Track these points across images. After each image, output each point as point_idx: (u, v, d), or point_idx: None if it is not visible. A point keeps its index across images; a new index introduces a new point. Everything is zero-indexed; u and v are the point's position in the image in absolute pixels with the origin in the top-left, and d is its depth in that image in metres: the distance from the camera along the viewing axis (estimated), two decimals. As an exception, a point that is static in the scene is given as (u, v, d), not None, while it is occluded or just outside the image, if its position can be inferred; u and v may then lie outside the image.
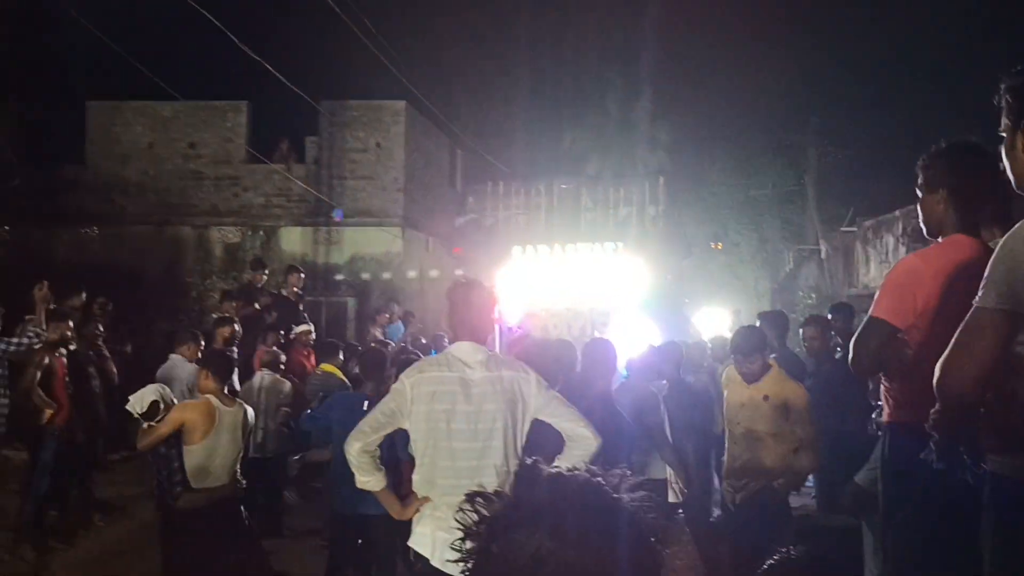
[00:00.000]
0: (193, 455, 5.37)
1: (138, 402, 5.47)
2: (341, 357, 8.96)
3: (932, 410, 2.48)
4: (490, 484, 3.60)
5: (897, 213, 15.50)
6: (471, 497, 1.26)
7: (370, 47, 13.12)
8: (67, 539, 7.64)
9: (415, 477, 3.82)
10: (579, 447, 3.75)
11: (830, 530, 5.70)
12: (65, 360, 7.72)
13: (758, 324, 7.48)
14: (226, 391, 5.80)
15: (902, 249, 14.78)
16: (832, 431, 6.58)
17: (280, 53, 12.95)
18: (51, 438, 7.39)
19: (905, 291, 3.07)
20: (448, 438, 3.72)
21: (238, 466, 5.62)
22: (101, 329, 9.45)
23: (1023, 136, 2.35)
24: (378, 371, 6.31)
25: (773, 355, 7.31)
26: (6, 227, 14.89)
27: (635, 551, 1.17)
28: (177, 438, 5.44)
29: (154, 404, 5.45)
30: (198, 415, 5.41)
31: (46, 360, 7.34)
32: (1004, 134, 2.42)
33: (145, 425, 5.47)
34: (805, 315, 17.91)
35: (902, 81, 20.65)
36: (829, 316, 8.07)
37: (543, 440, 3.89)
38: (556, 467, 1.27)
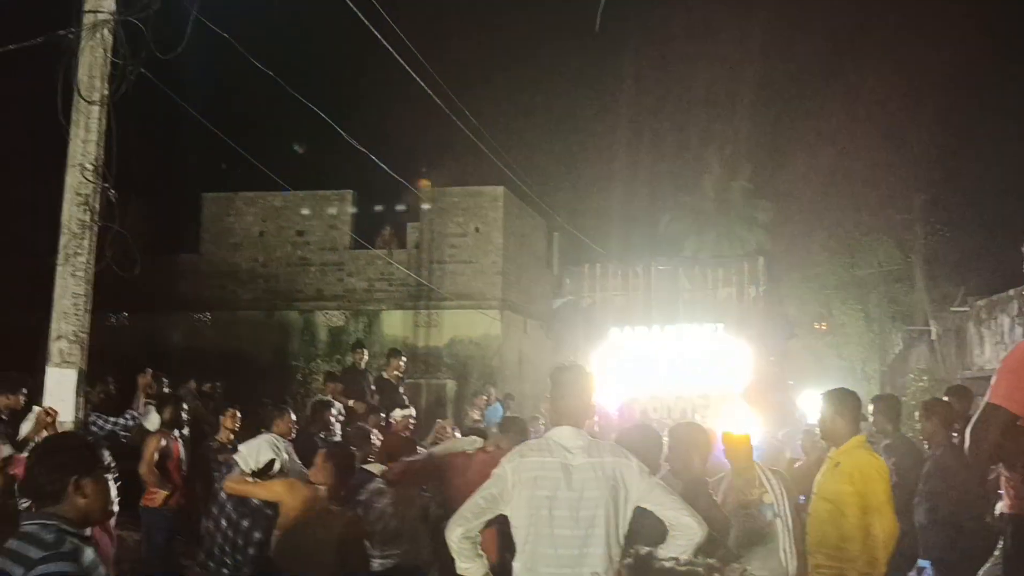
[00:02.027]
0: (278, 542, 4.77)
1: (252, 456, 4.96)
2: None
3: None
4: (597, 572, 3.55)
5: (1012, 292, 14.90)
6: None
7: (469, 135, 13.48)
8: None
9: (515, 564, 3.77)
10: (683, 536, 3.65)
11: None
12: (180, 443, 7.95)
13: (871, 409, 7.23)
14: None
15: (1018, 329, 14.16)
16: (949, 520, 6.28)
17: (384, 142, 13.42)
18: (165, 520, 7.56)
19: (1023, 376, 2.93)
20: (550, 525, 3.66)
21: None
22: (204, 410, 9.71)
23: None
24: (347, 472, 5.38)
25: (886, 441, 7.05)
26: (126, 313, 15.62)
27: None
28: (265, 517, 4.91)
29: (271, 463, 4.95)
30: (300, 501, 4.83)
31: (163, 442, 7.57)
32: None
33: (247, 475, 4.93)
34: (917, 398, 17.24)
35: (1012, 157, 20.07)
36: (945, 398, 7.74)
37: (640, 528, 3.82)
38: (670, 559, 1.24)
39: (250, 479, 4.98)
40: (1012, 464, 3.05)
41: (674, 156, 25.65)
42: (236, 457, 5.06)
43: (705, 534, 3.68)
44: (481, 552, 3.77)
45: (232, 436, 8.02)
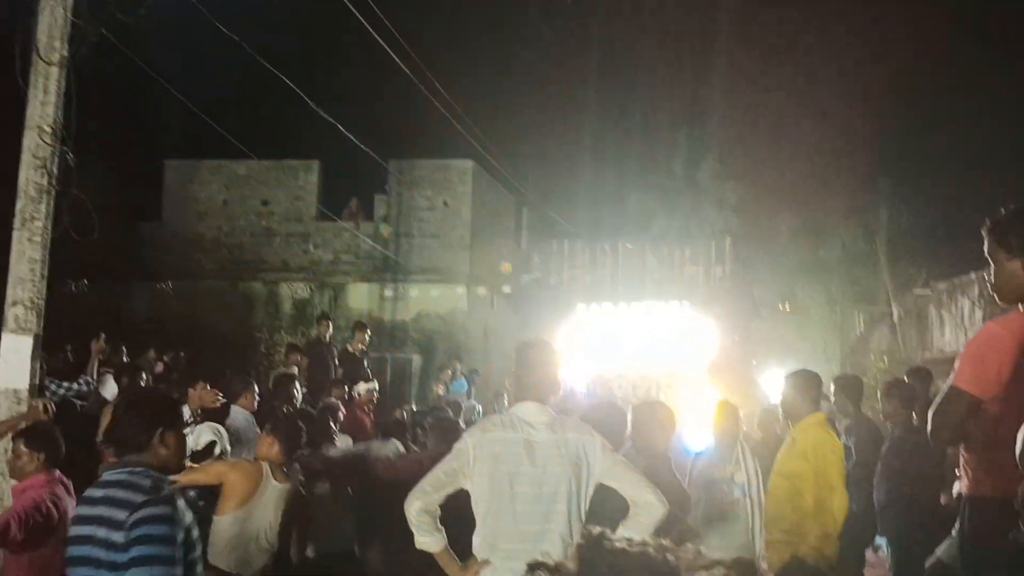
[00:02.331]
0: (219, 527, 4.56)
1: (192, 438, 4.76)
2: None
3: (1022, 486, 2.36)
4: (554, 550, 3.53)
5: (973, 276, 15.09)
6: (532, 567, 1.22)
7: (438, 107, 13.37)
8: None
9: (475, 539, 3.75)
10: (644, 513, 3.64)
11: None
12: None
13: (832, 389, 7.30)
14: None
15: (979, 313, 14.36)
16: (906, 500, 6.36)
17: (351, 114, 13.27)
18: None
19: (987, 359, 2.94)
20: (512, 501, 3.63)
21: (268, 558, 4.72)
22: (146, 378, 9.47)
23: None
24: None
25: (847, 421, 7.12)
26: (85, 281, 15.38)
27: None
28: (208, 500, 4.70)
29: (211, 445, 4.82)
30: (243, 477, 4.66)
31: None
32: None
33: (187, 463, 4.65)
34: (877, 379, 17.46)
35: (975, 140, 20.30)
36: (906, 379, 7.82)
37: (603, 505, 3.80)
38: (623, 539, 1.20)
39: (187, 463, 4.72)
40: (972, 447, 3.07)
41: (644, 135, 25.68)
42: None
43: (667, 511, 3.67)
44: (440, 527, 3.74)
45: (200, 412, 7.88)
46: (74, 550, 3.00)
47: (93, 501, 3.01)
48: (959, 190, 20.15)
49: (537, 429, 3.72)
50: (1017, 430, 2.29)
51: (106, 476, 3.08)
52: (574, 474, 3.68)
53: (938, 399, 3.05)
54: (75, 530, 3.04)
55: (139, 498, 2.93)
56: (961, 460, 3.18)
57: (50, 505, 4.42)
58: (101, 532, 2.90)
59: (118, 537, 2.87)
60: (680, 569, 1.15)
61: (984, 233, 3.14)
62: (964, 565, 3.09)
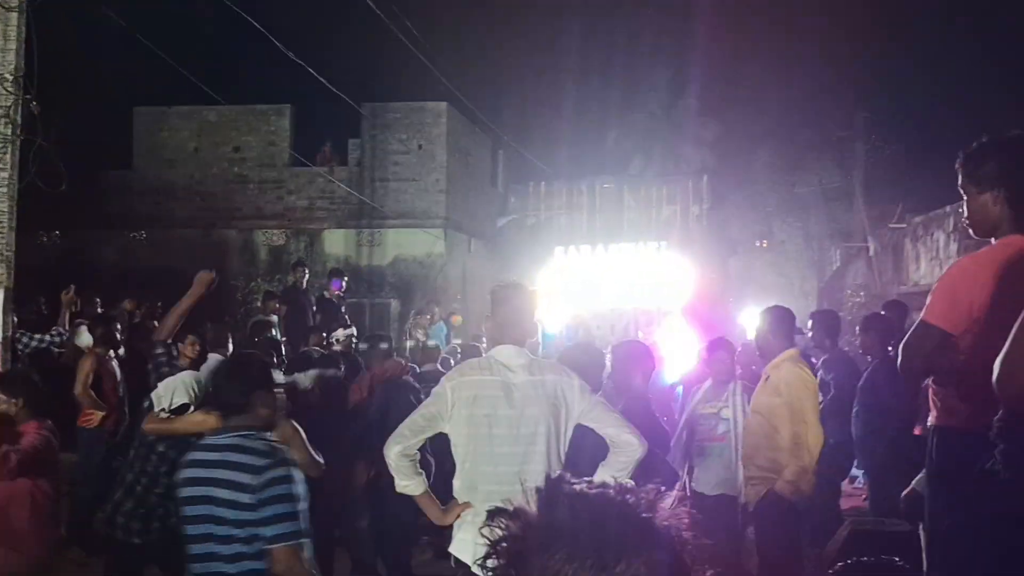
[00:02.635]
0: None
1: (168, 395, 4.62)
2: None
3: (997, 417, 2.38)
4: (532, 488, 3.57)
5: (948, 209, 15.16)
6: (493, 513, 1.21)
7: (411, 49, 13.15)
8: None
9: (456, 482, 3.77)
10: (624, 453, 3.67)
11: (885, 535, 5.54)
12: (116, 363, 7.81)
13: (809, 324, 7.36)
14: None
15: (953, 246, 14.47)
16: (882, 432, 6.45)
17: (323, 57, 13.03)
18: (102, 441, 7.45)
19: (958, 295, 2.97)
20: (490, 443, 3.66)
21: None
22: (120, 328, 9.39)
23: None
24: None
25: (825, 356, 7.20)
26: (56, 232, 15.18)
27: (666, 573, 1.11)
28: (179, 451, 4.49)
29: (183, 407, 4.64)
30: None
31: (98, 363, 7.42)
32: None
33: (162, 413, 4.55)
34: (853, 313, 17.63)
35: (951, 73, 20.26)
36: (883, 313, 7.89)
37: (582, 447, 3.83)
38: (583, 483, 1.20)
39: (162, 413, 4.64)
40: (942, 379, 3.10)
41: (621, 73, 25.40)
42: (152, 395, 4.71)
43: (645, 450, 3.70)
44: (420, 470, 3.76)
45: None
46: (192, 509, 3.23)
47: (207, 464, 3.24)
48: (934, 125, 20.18)
49: (515, 371, 3.73)
50: (987, 363, 2.31)
51: (215, 440, 3.30)
52: (552, 415, 3.71)
53: (910, 332, 3.09)
54: (189, 491, 3.26)
55: (259, 462, 3.16)
56: (931, 392, 3.22)
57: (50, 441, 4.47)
58: (223, 493, 3.14)
59: (245, 498, 3.10)
60: (642, 509, 1.14)
61: (957, 167, 3.15)
62: (931, 494, 3.13)
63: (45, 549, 4.59)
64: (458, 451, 3.74)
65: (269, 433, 3.41)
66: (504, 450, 3.66)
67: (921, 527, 5.00)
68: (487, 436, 3.67)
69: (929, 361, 3.04)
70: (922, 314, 3.04)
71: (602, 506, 1.14)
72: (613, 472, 3.55)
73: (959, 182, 3.13)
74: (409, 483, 3.71)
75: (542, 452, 3.67)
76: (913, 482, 4.56)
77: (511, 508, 1.19)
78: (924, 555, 4.85)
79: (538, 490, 1.19)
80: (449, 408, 3.70)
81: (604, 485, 1.18)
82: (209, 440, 3.34)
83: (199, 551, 3.21)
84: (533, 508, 1.18)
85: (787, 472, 5.06)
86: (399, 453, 3.67)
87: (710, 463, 6.00)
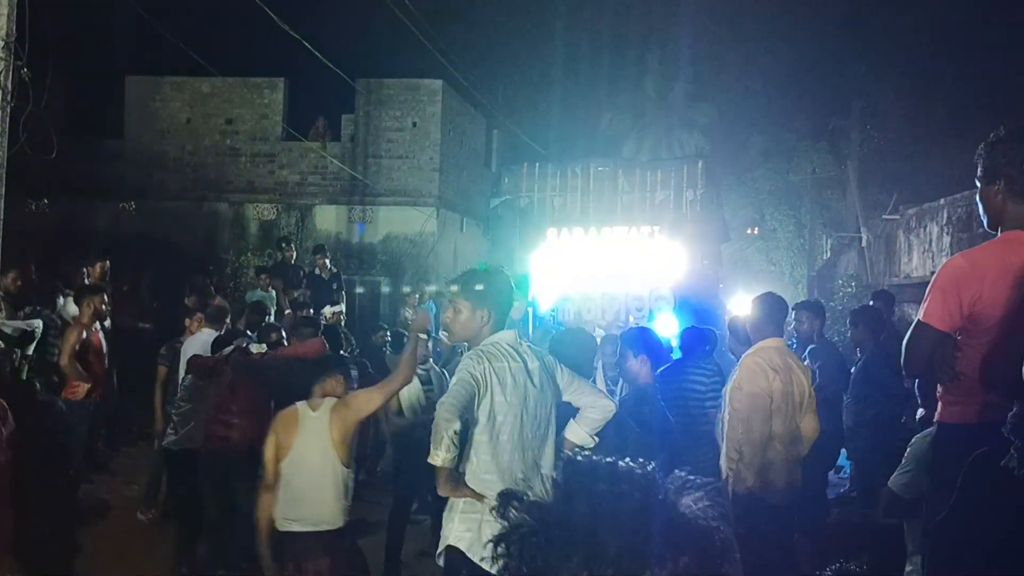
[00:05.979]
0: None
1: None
2: None
3: (1013, 412, 2.36)
4: (548, 472, 3.69)
5: (942, 201, 15.15)
6: (504, 499, 1.17)
7: (408, 25, 13.03)
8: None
9: (479, 471, 3.71)
10: (597, 411, 3.89)
11: (869, 528, 5.56)
12: (102, 335, 7.75)
13: (793, 315, 7.35)
14: None
15: (946, 238, 14.47)
16: (872, 423, 6.46)
17: (318, 31, 12.90)
18: (87, 413, 7.41)
19: (950, 295, 2.99)
20: (521, 428, 3.72)
21: None
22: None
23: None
24: None
25: (812, 345, 7.19)
26: (45, 199, 15.05)
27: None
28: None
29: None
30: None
31: (83, 334, 7.36)
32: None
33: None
34: (844, 304, 17.66)
35: (948, 65, 20.20)
36: (872, 304, 7.90)
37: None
38: (604, 468, 1.14)
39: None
40: (939, 376, 3.12)
41: (616, 55, 25.27)
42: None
43: (616, 410, 3.96)
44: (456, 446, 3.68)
45: None
46: None
47: None
48: (930, 117, 20.15)
49: (527, 356, 3.83)
50: (985, 360, 2.29)
51: None
52: (553, 396, 3.88)
53: (909, 332, 3.12)
54: None
55: None
56: (934, 388, 3.23)
57: None
58: None
59: None
60: (668, 506, 1.09)
61: (976, 158, 3.18)
62: (934, 489, 3.14)
63: None
64: (480, 437, 3.70)
65: None
66: (528, 433, 3.74)
67: (904, 523, 5.03)
68: (516, 423, 3.71)
69: (928, 360, 3.08)
70: (918, 314, 3.09)
71: (624, 503, 1.08)
72: (588, 429, 3.89)
73: (977, 173, 3.16)
74: (448, 456, 3.56)
75: (552, 433, 3.84)
76: (890, 482, 4.55)
77: (526, 498, 1.13)
78: (908, 549, 4.87)
79: (555, 482, 1.14)
80: (482, 393, 3.69)
81: (630, 472, 1.11)
82: None
83: None
84: (550, 499, 1.13)
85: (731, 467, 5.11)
86: (457, 430, 3.56)
87: (699, 450, 5.99)
